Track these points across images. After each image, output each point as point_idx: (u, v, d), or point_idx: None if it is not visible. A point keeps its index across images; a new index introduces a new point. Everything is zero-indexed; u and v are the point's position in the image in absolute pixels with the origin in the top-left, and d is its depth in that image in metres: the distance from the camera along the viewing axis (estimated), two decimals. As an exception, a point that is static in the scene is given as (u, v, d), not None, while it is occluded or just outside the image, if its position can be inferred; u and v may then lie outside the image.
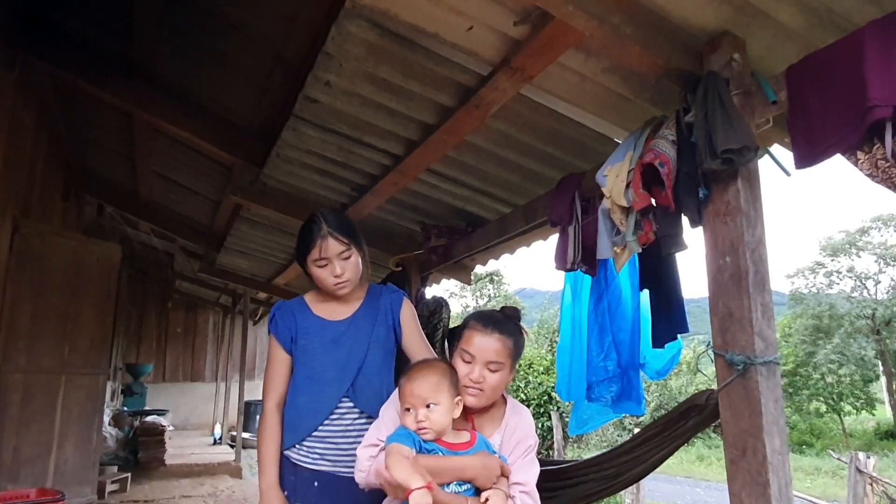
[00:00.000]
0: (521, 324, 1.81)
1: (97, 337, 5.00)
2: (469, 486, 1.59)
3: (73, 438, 4.68)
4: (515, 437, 1.69)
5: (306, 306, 2.08)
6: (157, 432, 7.96)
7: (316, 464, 1.94)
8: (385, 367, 2.07)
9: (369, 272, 2.16)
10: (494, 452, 1.64)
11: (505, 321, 1.72)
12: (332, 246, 1.95)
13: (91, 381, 4.91)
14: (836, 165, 1.54)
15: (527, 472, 1.66)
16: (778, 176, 1.89)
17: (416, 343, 2.11)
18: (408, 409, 1.60)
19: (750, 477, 1.61)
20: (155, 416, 8.56)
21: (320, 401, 1.95)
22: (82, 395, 4.80)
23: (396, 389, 1.75)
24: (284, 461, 1.99)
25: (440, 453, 1.57)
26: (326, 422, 1.94)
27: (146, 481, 7.33)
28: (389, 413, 1.72)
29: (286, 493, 1.94)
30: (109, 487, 6.38)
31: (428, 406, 1.57)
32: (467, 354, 1.66)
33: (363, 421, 1.96)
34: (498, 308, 1.84)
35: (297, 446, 1.97)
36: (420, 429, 1.57)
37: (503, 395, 1.79)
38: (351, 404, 1.97)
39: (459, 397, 1.63)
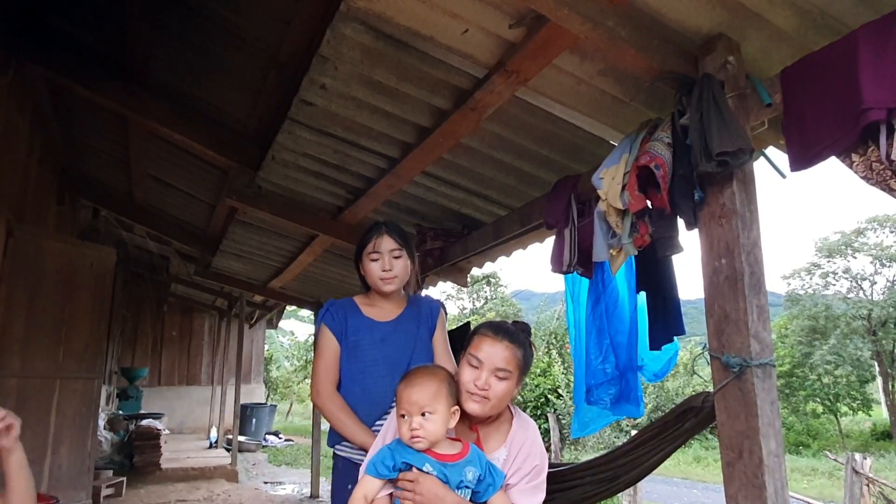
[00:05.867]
0: (531, 339, 1.78)
1: (92, 341, 4.97)
2: (470, 489, 1.56)
3: (67, 443, 4.66)
4: (522, 455, 1.66)
5: (356, 306, 2.18)
6: (153, 436, 7.92)
7: None
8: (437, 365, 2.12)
9: (419, 284, 2.22)
10: (490, 466, 1.60)
11: (516, 332, 1.69)
12: (386, 242, 2.13)
13: (86, 385, 4.88)
14: (832, 167, 1.54)
15: (531, 497, 1.63)
16: (773, 177, 1.89)
17: (441, 350, 2.19)
18: (402, 416, 1.57)
19: (746, 479, 1.60)
20: (150, 419, 8.52)
21: (375, 393, 2.02)
22: (77, 399, 4.77)
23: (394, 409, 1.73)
24: (337, 459, 2.06)
25: (429, 464, 1.54)
26: (380, 422, 1.97)
27: (142, 485, 7.30)
28: (383, 437, 1.71)
29: (350, 486, 1.90)
30: (105, 492, 6.35)
31: (423, 414, 1.54)
32: (475, 359, 1.63)
33: None
34: (510, 320, 1.81)
35: (347, 442, 2.01)
36: (413, 437, 1.54)
37: (510, 408, 1.75)
38: None
39: (456, 407, 1.60)
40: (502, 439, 1.68)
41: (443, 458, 1.55)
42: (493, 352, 1.62)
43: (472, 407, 1.60)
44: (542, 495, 1.66)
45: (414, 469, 1.54)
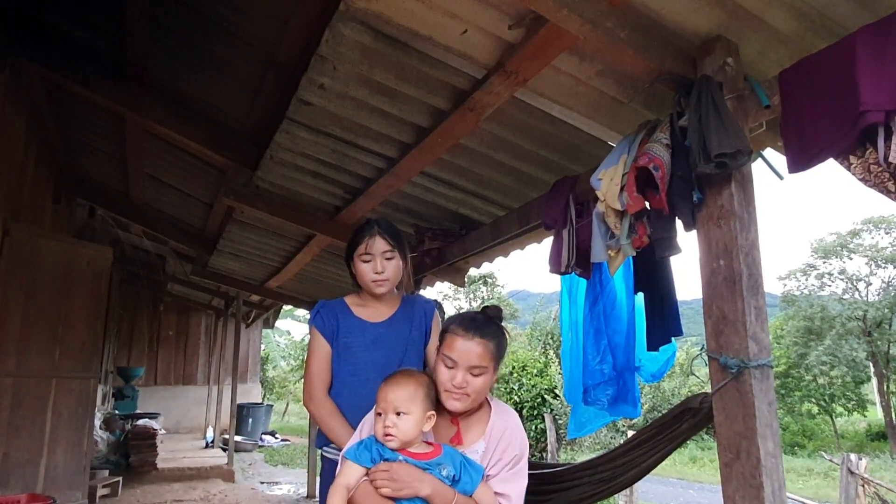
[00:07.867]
0: (505, 324, 1.78)
1: (88, 340, 4.95)
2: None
3: (63, 443, 4.64)
4: (501, 445, 1.66)
5: (347, 307, 2.14)
6: (149, 436, 7.91)
7: None
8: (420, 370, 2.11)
9: (411, 284, 2.22)
10: (466, 463, 1.61)
11: (486, 323, 1.68)
12: (379, 244, 2.07)
13: (82, 384, 4.86)
14: (828, 168, 1.55)
15: (512, 484, 1.63)
16: (770, 178, 1.90)
17: (434, 352, 2.15)
18: (379, 414, 1.61)
19: (744, 480, 1.61)
20: (146, 419, 8.49)
21: (364, 396, 1.98)
22: (73, 399, 4.75)
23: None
24: (324, 461, 2.04)
25: (403, 459, 1.56)
26: None
27: (137, 485, 7.28)
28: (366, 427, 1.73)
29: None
30: (100, 492, 6.33)
31: (398, 414, 1.57)
32: (449, 360, 1.62)
33: None
34: (480, 309, 1.82)
35: (335, 445, 2.00)
36: (386, 434, 1.56)
37: (487, 399, 1.75)
38: None
39: (432, 413, 1.61)
40: (481, 431, 1.69)
41: (416, 457, 1.58)
42: (465, 350, 1.61)
43: (453, 405, 1.62)
44: (524, 482, 1.66)
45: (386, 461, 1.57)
